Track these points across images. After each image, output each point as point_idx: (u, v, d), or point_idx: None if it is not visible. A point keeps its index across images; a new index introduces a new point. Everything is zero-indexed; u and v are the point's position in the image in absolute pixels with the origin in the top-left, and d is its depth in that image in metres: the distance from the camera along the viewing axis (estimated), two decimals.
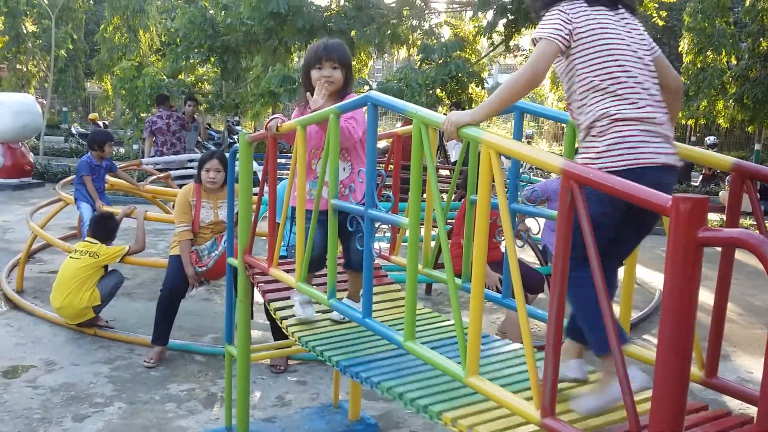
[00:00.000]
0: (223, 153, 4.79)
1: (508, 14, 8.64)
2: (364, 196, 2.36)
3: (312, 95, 2.80)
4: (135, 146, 16.04)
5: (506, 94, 1.92)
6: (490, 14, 9.28)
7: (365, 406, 3.78)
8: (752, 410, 1.92)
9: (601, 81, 1.90)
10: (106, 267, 4.96)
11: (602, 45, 1.91)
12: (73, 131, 21.20)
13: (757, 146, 18.31)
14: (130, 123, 12.96)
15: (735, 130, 20.72)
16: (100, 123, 21.19)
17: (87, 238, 5.07)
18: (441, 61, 9.78)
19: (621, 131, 1.86)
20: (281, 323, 2.90)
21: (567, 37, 1.91)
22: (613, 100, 1.89)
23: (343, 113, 2.55)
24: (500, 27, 9.32)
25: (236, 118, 21.54)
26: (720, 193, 12.00)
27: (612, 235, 1.89)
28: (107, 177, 6.45)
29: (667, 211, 1.37)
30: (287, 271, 2.98)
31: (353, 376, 2.34)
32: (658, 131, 1.87)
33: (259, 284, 3.17)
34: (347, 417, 3.62)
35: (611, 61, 1.90)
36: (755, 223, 1.87)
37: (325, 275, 3.10)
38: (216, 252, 4.54)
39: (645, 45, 2.00)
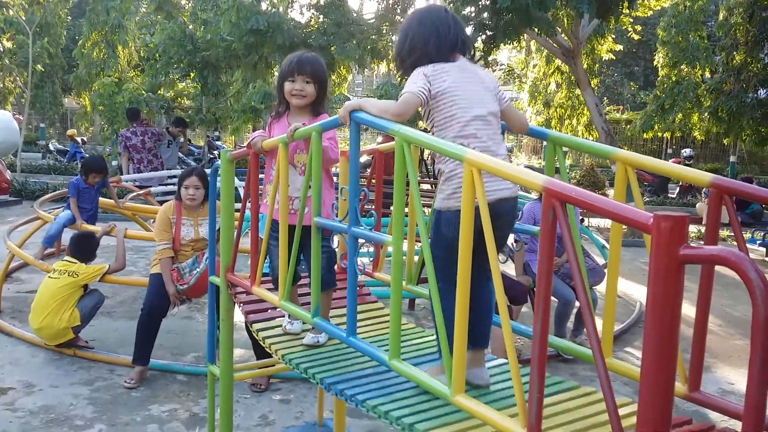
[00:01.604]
0: (202, 169, 4.77)
1: (487, 30, 8.74)
2: (346, 214, 2.36)
3: (282, 106, 2.86)
4: (114, 162, 15.91)
5: (380, 113, 2.16)
6: (469, 30, 9.37)
7: (350, 423, 3.76)
8: (735, 423, 1.94)
9: (450, 132, 2.18)
10: (85, 286, 4.91)
11: (450, 102, 2.18)
12: (51, 148, 21.00)
13: (732, 158, 18.63)
14: (110, 139, 12.85)
15: (710, 142, 21.08)
16: (78, 139, 20.99)
17: (66, 257, 5.01)
18: None
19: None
20: (264, 343, 2.88)
21: (427, 94, 2.18)
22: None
23: (325, 131, 2.56)
24: (478, 43, 9.43)
25: (216, 134, 21.49)
26: (697, 205, 12.17)
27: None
28: None
29: (648, 229, 1.39)
30: (270, 290, 2.98)
31: (337, 393, 2.32)
32: None
33: (242, 304, 3.15)
34: None
35: (459, 116, 2.17)
36: (732, 234, 1.90)
37: (306, 293, 3.13)
38: (197, 270, 4.51)
39: (491, 96, 2.26)
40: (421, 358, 2.49)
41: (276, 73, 15.38)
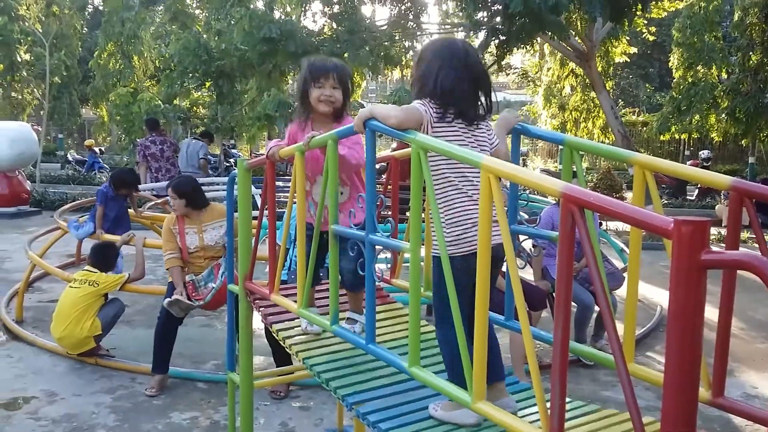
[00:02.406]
0: (176, 182, 4.79)
1: (499, 35, 8.74)
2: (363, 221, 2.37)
3: (307, 112, 2.82)
4: None
5: (383, 118, 2.13)
6: (482, 35, 9.38)
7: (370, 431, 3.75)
8: (759, 429, 1.92)
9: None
10: (106, 295, 4.96)
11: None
12: (70, 158, 21.25)
13: (751, 159, 18.44)
14: (127, 149, 12.99)
15: (728, 143, 20.86)
16: (96, 149, 21.22)
17: (87, 267, 5.07)
18: None
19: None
20: (285, 344, 2.88)
21: (426, 124, 2.15)
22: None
23: (340, 138, 2.57)
24: (491, 47, 9.43)
25: (232, 142, 21.63)
26: (717, 207, 12.05)
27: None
28: None
29: (668, 234, 1.38)
30: (288, 296, 3.00)
31: (359, 416, 2.32)
32: None
33: (261, 308, 3.17)
34: None
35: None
36: (753, 236, 1.89)
37: (324, 297, 3.14)
38: (213, 285, 4.48)
39: (486, 145, 2.26)
40: (442, 366, 2.47)
41: (290, 81, 15.50)
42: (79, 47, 25.04)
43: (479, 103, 2.25)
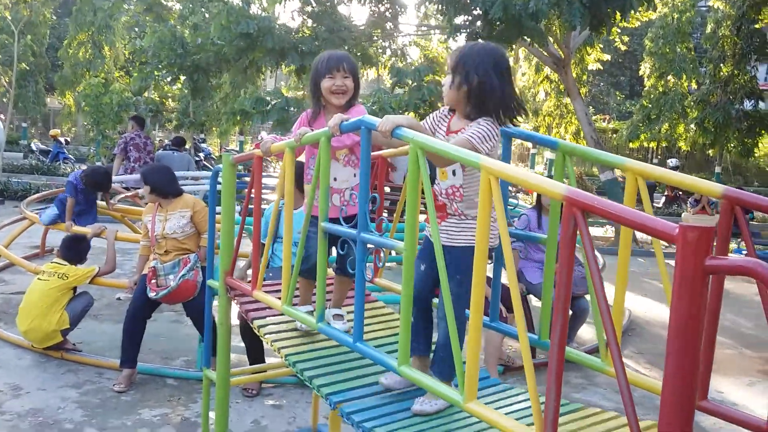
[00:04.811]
0: (145, 169, 4.83)
1: (479, 40, 8.76)
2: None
3: (318, 104, 2.81)
4: (98, 163, 15.77)
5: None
6: (461, 39, 9.41)
7: (345, 429, 3.72)
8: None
9: None
10: (74, 289, 4.84)
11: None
12: (34, 148, 20.72)
13: (717, 169, 18.84)
14: (95, 140, 12.73)
15: (695, 152, 21.30)
16: (62, 140, 20.77)
17: (56, 259, 4.94)
18: (414, 84, 9.86)
19: None
20: (268, 341, 2.84)
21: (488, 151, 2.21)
22: None
23: (338, 135, 2.53)
24: None
25: (201, 136, 21.35)
26: (683, 215, 12.26)
27: None
28: None
29: (673, 240, 1.38)
30: (270, 292, 2.96)
31: (343, 416, 2.29)
32: None
33: (241, 304, 3.12)
34: None
35: None
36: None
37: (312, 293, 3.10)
38: (172, 284, 4.34)
39: None
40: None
41: (266, 78, 15.37)
42: (47, 35, 24.50)
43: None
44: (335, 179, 2.74)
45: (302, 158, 2.97)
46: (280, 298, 2.82)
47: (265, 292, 2.97)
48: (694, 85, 19.14)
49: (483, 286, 1.85)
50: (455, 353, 1.94)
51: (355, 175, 2.79)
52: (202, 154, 17.95)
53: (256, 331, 2.99)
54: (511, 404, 2.35)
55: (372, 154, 2.46)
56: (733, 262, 1.36)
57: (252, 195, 3.01)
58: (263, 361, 4.41)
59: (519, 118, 2.37)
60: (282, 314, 2.99)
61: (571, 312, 4.75)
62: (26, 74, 23.02)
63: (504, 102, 2.28)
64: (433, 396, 2.20)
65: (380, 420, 2.20)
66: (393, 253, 3.20)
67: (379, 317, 3.09)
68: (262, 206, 3.32)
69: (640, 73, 20.53)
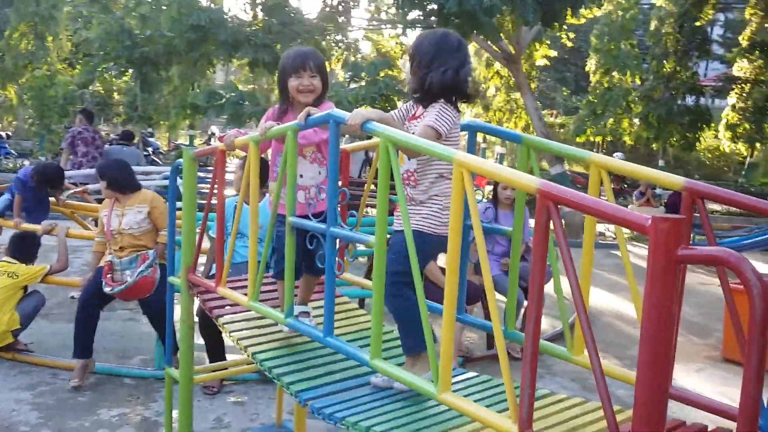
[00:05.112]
0: (101, 164, 4.89)
1: None
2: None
3: (286, 102, 2.78)
4: (43, 158, 15.27)
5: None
6: (415, 33, 9.46)
7: (309, 425, 3.72)
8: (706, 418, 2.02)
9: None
10: (25, 288, 4.69)
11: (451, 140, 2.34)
12: None
13: (661, 162, 19.40)
14: (39, 134, 12.32)
15: (639, 147, 21.90)
16: (3, 134, 20.03)
17: (5, 258, 4.78)
18: (369, 79, 9.87)
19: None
20: (233, 338, 2.81)
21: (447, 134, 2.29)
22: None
23: (302, 131, 2.52)
24: None
25: (149, 130, 20.91)
26: (629, 207, 12.60)
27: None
28: None
29: (646, 230, 1.43)
30: (235, 288, 2.93)
31: (314, 411, 2.28)
32: None
33: (205, 301, 3.08)
34: None
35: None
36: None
37: (272, 290, 3.08)
38: (129, 279, 4.24)
39: None
40: (401, 359, 2.47)
41: (215, 72, 15.10)
42: None
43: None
44: (301, 176, 2.72)
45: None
46: (245, 295, 2.80)
47: (229, 288, 2.94)
48: (638, 81, 19.66)
49: (456, 279, 1.88)
50: (428, 343, 1.96)
51: (320, 173, 2.78)
52: (150, 149, 17.59)
53: (220, 329, 2.96)
54: (479, 392, 2.39)
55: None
56: (704, 252, 1.41)
57: (215, 190, 2.97)
58: (224, 358, 4.36)
59: (469, 103, 2.45)
60: (246, 310, 2.98)
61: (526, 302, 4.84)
62: None
63: (456, 85, 2.33)
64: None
65: (352, 411, 2.21)
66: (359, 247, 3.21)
67: (345, 312, 3.09)
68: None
69: (586, 69, 20.96)
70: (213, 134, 25.33)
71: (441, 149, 1.97)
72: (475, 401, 2.18)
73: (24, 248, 4.81)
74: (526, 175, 1.73)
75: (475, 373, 2.58)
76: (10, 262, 4.69)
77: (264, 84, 20.35)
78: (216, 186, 3.00)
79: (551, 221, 1.64)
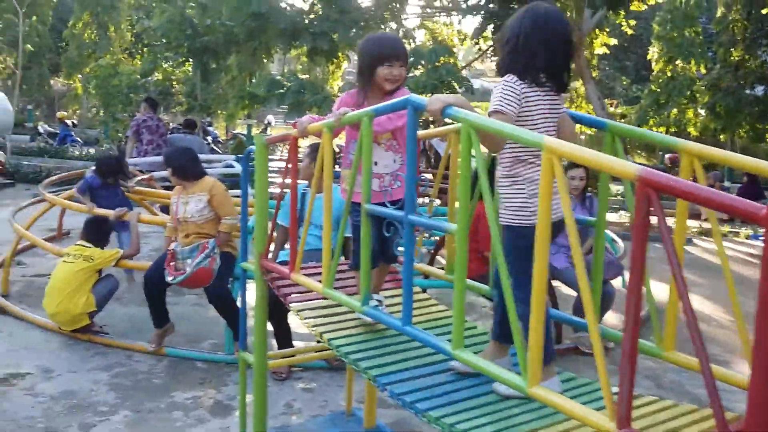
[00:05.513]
0: (168, 151, 5.01)
1: (495, 19, 8.70)
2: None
3: (368, 87, 2.74)
4: (107, 146, 15.73)
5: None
6: (476, 20, 9.34)
7: (379, 414, 3.73)
8: None
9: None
10: (100, 271, 4.84)
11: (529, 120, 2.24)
12: (41, 130, 20.67)
13: None
14: (106, 122, 12.68)
15: (705, 138, 21.23)
16: (69, 122, 20.70)
17: (80, 242, 4.93)
18: (430, 66, 9.81)
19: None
20: (309, 325, 2.82)
21: (516, 112, 2.21)
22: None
23: (377, 116, 2.51)
24: (488, 32, 9.40)
25: (208, 119, 21.29)
26: None
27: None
28: None
29: (759, 220, 1.36)
30: (310, 275, 2.94)
31: (393, 396, 2.27)
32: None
33: (279, 288, 3.11)
34: (362, 425, 3.56)
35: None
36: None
37: (342, 278, 3.09)
38: (188, 269, 4.35)
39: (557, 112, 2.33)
40: (476, 347, 2.45)
41: (273, 61, 15.24)
42: (50, 16, 24.31)
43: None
44: (376, 164, 2.70)
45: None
46: (319, 282, 2.81)
47: (305, 275, 2.96)
48: (702, 70, 19.01)
49: (545, 270, 1.84)
50: (515, 334, 1.93)
51: (395, 161, 2.77)
52: (209, 138, 17.89)
53: (295, 315, 2.98)
54: (570, 389, 2.33)
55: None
56: None
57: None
58: (291, 344, 4.41)
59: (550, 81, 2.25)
60: (316, 297, 2.99)
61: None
62: (31, 55, 22.90)
63: (530, 58, 2.21)
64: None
65: (435, 401, 2.19)
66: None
67: (417, 301, 3.07)
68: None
69: (648, 57, 20.38)
70: (269, 123, 25.64)
71: (529, 135, 1.92)
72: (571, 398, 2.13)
73: (98, 232, 4.96)
74: (625, 162, 1.67)
75: (557, 369, 2.53)
76: (85, 246, 4.83)
77: (318, 73, 20.45)
78: (288, 173, 3.00)
79: (651, 211, 1.58)
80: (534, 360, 1.84)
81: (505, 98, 2.21)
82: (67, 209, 6.74)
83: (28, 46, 20.66)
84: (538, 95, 2.24)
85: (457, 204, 2.98)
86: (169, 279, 4.37)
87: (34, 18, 20.97)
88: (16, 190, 11.89)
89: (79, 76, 19.45)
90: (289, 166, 3.07)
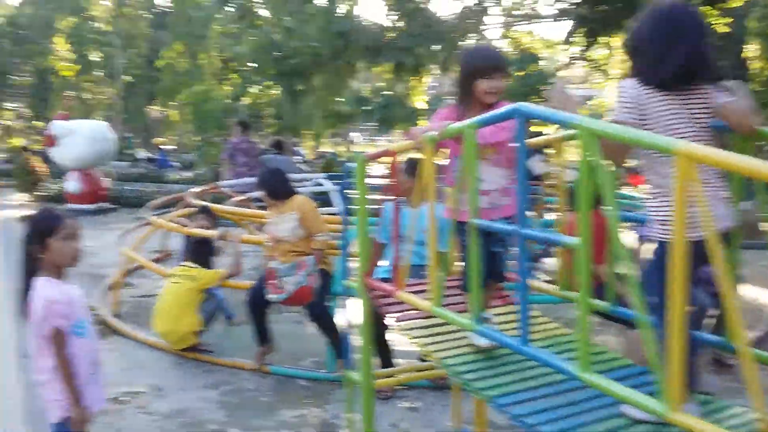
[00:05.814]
0: (262, 172, 5.17)
1: (585, 23, 8.46)
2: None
3: (465, 102, 2.70)
4: (204, 170, 16.29)
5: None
6: (567, 25, 9.13)
7: None
8: None
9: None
10: (205, 291, 4.97)
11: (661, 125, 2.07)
12: (140, 156, 21.75)
13: None
14: (201, 148, 13.17)
15: None
16: (166, 148, 21.68)
17: (185, 263, 5.09)
18: (521, 74, 9.66)
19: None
20: (418, 344, 2.77)
21: (636, 118, 2.07)
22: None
23: (480, 128, 2.44)
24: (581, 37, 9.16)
25: (295, 140, 21.76)
26: None
27: None
28: None
29: None
30: (415, 293, 2.89)
31: (513, 418, 2.18)
32: None
33: (384, 306, 3.07)
34: None
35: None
36: None
37: (448, 294, 3.01)
38: (289, 288, 4.45)
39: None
40: (612, 373, 2.28)
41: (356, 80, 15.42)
42: (144, 48, 25.59)
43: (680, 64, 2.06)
44: (483, 180, 2.62)
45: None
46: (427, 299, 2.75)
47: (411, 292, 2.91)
48: None
49: (686, 281, 1.71)
50: (652, 354, 1.80)
51: (502, 177, 2.68)
52: (298, 158, 18.28)
53: (402, 334, 2.93)
54: (709, 414, 2.16)
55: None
56: None
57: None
58: (391, 363, 4.37)
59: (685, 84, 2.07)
60: (422, 315, 2.93)
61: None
62: (128, 85, 24.17)
63: (655, 61, 2.07)
64: None
65: (560, 423, 2.08)
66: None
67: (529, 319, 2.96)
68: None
69: (743, 55, 19.31)
70: (353, 141, 25.98)
71: (659, 140, 1.80)
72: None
73: (202, 253, 5.10)
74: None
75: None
76: (190, 267, 4.98)
77: (401, 89, 20.54)
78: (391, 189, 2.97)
79: None
80: (676, 382, 1.72)
81: (620, 106, 2.10)
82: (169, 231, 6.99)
83: (128, 77, 21.81)
84: (668, 97, 2.08)
85: (567, 216, 2.87)
86: (270, 297, 4.45)
87: (134, 51, 22.18)
88: (120, 215, 12.48)
89: (174, 103, 20.33)
90: (390, 182, 3.06)
